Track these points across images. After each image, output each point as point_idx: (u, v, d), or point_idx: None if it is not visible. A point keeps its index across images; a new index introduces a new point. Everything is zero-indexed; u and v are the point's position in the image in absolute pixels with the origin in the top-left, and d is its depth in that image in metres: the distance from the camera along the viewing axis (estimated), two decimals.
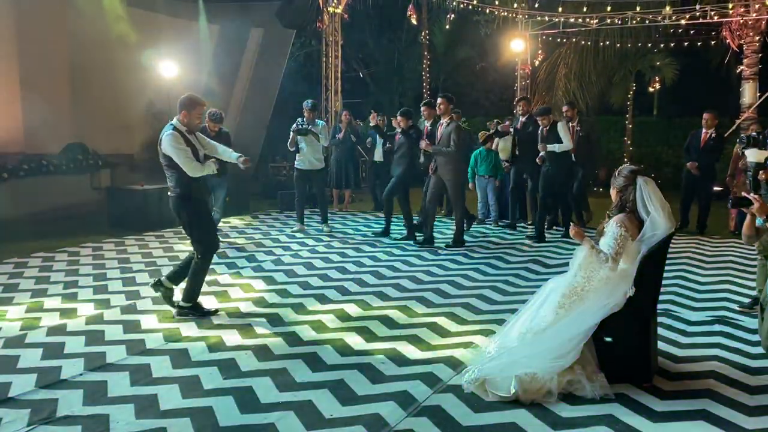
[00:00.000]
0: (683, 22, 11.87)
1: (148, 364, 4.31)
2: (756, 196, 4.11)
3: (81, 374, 4.15)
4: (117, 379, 4.06)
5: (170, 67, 10.82)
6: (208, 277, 6.50)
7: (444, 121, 7.85)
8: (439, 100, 7.95)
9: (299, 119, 9.03)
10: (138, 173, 10.74)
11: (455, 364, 4.29)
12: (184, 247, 8.07)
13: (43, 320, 5.24)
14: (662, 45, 14.05)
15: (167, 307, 5.59)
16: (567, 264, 6.93)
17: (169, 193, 5.38)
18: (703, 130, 9.13)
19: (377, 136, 10.73)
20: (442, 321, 5.24)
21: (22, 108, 9.60)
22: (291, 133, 8.93)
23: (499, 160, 9.83)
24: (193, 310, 5.38)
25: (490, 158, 9.79)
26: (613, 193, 4.19)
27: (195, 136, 5.33)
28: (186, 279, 5.38)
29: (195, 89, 11.87)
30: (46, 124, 9.79)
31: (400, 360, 4.41)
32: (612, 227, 4.02)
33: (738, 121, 11.57)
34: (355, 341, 4.78)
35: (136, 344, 4.70)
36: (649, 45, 14.08)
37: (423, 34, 18.50)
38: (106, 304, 5.69)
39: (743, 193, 4.34)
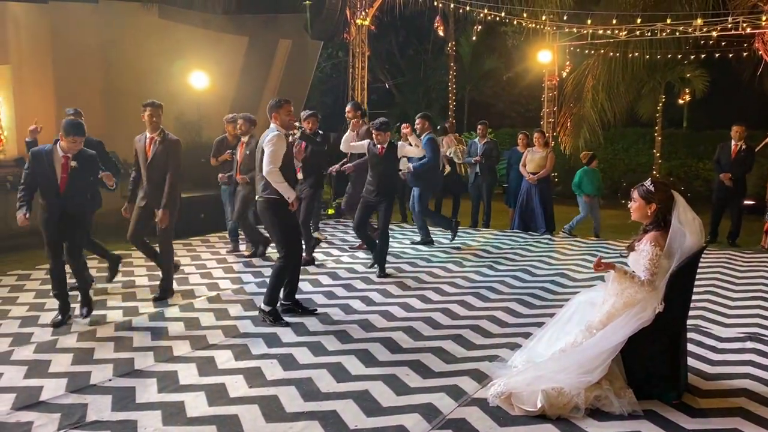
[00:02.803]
0: (714, 33, 11.72)
1: (176, 371, 4.36)
2: None
3: (110, 380, 4.22)
4: (145, 386, 4.12)
5: (200, 78, 11.00)
6: (234, 286, 6.57)
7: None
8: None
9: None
10: None
11: (480, 377, 4.26)
12: (210, 255, 8.16)
13: (73, 326, 5.33)
14: (692, 56, 13.87)
15: (194, 314, 5.67)
16: (594, 279, 6.88)
17: (256, 197, 5.57)
18: (733, 142, 9.19)
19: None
20: (467, 333, 5.21)
21: (56, 119, 9.82)
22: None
23: (599, 179, 9.79)
24: (271, 316, 5.44)
25: (593, 177, 9.78)
26: (642, 208, 4.08)
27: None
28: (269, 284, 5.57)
29: (224, 100, 12.12)
30: None
31: (424, 372, 4.40)
32: (646, 246, 3.95)
33: None
34: (380, 352, 4.78)
35: (164, 351, 4.76)
36: (679, 56, 13.92)
37: (449, 45, 18.54)
38: (134, 312, 5.78)
39: None
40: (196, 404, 3.86)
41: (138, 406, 3.83)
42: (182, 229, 9.41)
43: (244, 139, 7.84)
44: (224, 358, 4.62)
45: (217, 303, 6.02)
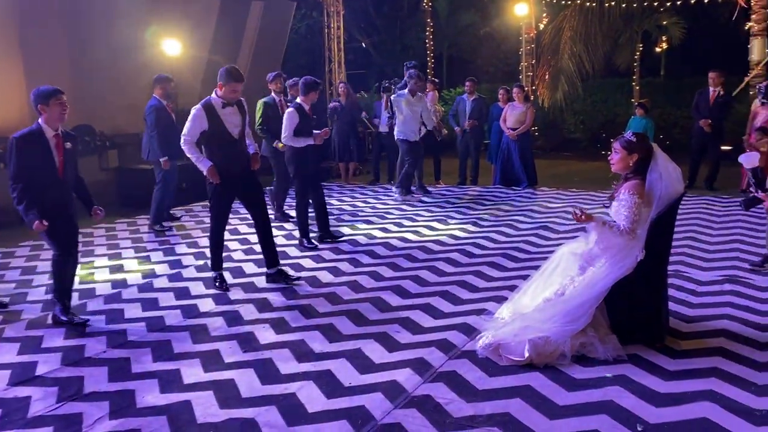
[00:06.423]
0: None
1: (169, 341, 4.41)
2: (763, 194, 4.16)
3: (104, 351, 4.26)
4: (139, 356, 4.17)
5: (173, 45, 10.79)
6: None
7: None
8: None
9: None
10: None
11: (469, 331, 4.37)
12: (195, 225, 8.15)
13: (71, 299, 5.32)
14: (668, 3, 13.82)
15: (183, 284, 5.70)
16: (577, 230, 6.99)
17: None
18: (711, 89, 9.28)
19: (382, 107, 10.77)
20: (455, 289, 5.31)
21: (27, 92, 9.62)
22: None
23: (644, 127, 9.54)
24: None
25: (639, 126, 9.61)
26: (625, 159, 4.12)
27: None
28: (271, 251, 5.70)
29: (198, 66, 11.90)
30: None
31: (414, 328, 4.49)
32: (626, 195, 4.01)
33: (747, 79, 11.45)
34: (370, 311, 4.86)
35: (156, 321, 4.80)
36: (656, 4, 13.86)
37: (425, 0, 18.26)
38: (123, 284, 5.79)
39: (751, 193, 4.42)
40: (192, 371, 3.92)
41: (134, 376, 3.88)
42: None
43: None
44: (216, 325, 4.68)
45: (206, 272, 6.03)
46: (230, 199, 5.57)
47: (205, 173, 5.32)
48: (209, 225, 5.69)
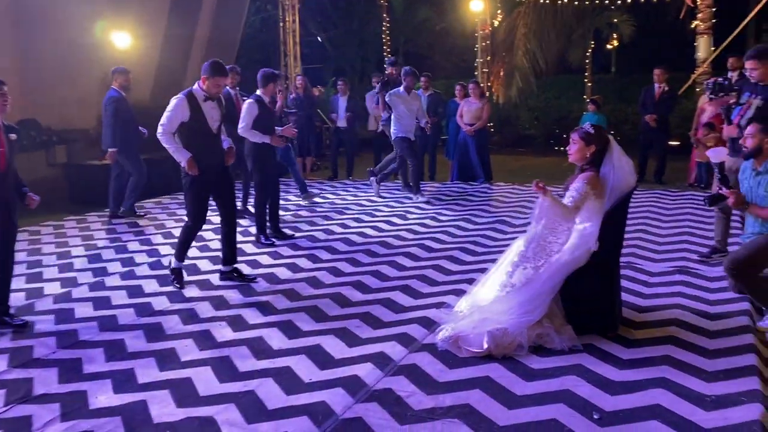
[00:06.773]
0: None
1: (122, 340, 4.30)
2: (728, 191, 4.27)
3: (54, 352, 4.12)
4: (91, 356, 4.04)
5: (124, 38, 10.51)
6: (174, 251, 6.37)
7: None
8: None
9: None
10: (95, 148, 10.44)
11: (429, 324, 4.39)
12: (148, 222, 7.96)
13: (9, 300, 5.13)
14: (619, 1, 14.17)
15: (136, 282, 5.56)
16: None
17: None
18: (656, 85, 9.58)
19: (338, 101, 10.78)
20: (414, 283, 5.32)
21: None
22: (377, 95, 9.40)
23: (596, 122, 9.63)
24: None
25: (592, 122, 9.70)
26: (582, 149, 4.20)
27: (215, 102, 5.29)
28: (232, 248, 5.57)
29: (150, 59, 11.61)
30: None
31: (374, 323, 4.49)
32: (579, 183, 4.10)
33: (693, 76, 11.83)
34: (329, 307, 4.83)
35: (108, 320, 4.66)
36: (607, 2, 14.19)
37: None
38: (73, 283, 5.61)
39: (715, 190, 4.54)
40: (147, 371, 3.82)
41: (86, 377, 3.77)
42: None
43: None
44: (171, 323, 4.58)
45: (160, 269, 5.90)
46: (208, 194, 5.40)
47: (183, 164, 5.16)
48: (185, 219, 5.49)
